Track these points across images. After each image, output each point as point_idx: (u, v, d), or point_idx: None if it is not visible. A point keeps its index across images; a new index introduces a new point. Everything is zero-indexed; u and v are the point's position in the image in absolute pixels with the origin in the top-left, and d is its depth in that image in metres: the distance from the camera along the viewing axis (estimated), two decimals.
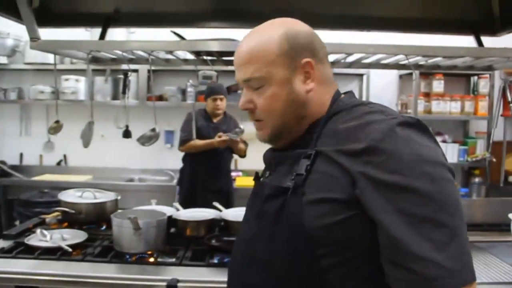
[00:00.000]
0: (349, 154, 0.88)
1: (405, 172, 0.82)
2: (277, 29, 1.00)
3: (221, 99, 3.38)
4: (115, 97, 4.12)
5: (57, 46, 1.93)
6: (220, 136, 3.23)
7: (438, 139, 4.09)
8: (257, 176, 1.14)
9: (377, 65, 2.38)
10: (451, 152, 4.04)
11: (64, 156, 4.49)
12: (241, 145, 3.39)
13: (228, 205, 2.58)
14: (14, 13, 1.99)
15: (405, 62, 2.18)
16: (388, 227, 0.81)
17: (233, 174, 3.82)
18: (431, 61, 2.30)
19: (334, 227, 0.87)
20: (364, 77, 4.22)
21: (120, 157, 4.31)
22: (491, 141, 2.12)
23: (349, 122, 0.94)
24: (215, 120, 3.47)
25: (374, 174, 0.83)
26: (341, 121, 0.96)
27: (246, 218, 1.10)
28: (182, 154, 3.57)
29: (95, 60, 2.34)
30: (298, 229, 0.90)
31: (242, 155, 3.50)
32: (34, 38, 1.77)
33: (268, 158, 1.11)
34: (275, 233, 0.95)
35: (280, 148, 1.07)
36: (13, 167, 4.35)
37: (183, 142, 3.40)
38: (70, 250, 1.79)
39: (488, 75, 4.05)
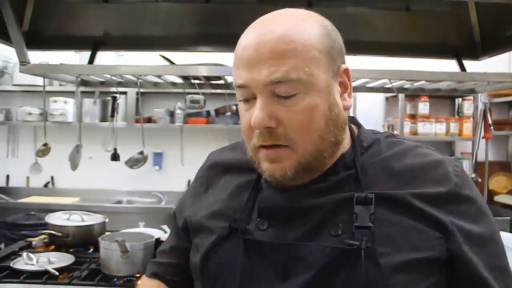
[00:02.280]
0: (432, 200, 0.72)
1: (485, 221, 0.76)
2: (315, 19, 0.77)
3: None
4: (103, 119, 4.13)
5: (47, 70, 1.95)
6: None
7: None
8: (243, 231, 0.77)
9: (362, 88, 2.43)
10: None
11: (52, 178, 4.46)
12: None
13: None
14: (3, 36, 2.01)
15: (390, 86, 2.23)
16: (482, 280, 0.73)
17: None
18: (415, 84, 2.35)
19: None
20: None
21: (108, 179, 4.29)
22: (473, 162, 2.16)
23: (403, 159, 0.78)
24: None
25: (463, 225, 0.72)
26: (384, 158, 0.78)
27: None
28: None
29: (84, 83, 2.35)
30: None
31: None
32: (23, 62, 1.79)
33: (275, 202, 0.78)
34: None
35: (289, 188, 0.77)
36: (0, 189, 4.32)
37: None
38: (57, 273, 1.78)
39: (472, 97, 4.13)
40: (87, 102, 4.08)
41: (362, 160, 0.78)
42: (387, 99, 4.36)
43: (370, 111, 4.34)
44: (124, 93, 4.02)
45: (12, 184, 4.49)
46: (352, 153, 0.79)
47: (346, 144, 0.80)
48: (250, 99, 0.75)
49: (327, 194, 0.75)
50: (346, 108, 0.78)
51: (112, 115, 2.29)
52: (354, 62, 2.45)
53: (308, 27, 0.73)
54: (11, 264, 1.85)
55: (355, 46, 2.32)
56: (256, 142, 0.74)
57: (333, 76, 0.75)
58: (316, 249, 0.71)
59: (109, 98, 4.07)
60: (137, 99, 3.88)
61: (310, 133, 0.72)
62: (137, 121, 4.02)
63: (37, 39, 2.10)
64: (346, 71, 0.78)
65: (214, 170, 0.93)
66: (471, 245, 0.73)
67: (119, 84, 2.32)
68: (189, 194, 0.96)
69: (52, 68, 1.95)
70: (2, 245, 2.99)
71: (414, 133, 4.07)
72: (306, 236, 0.73)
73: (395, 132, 4.13)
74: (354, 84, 2.34)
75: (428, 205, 0.72)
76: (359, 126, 0.86)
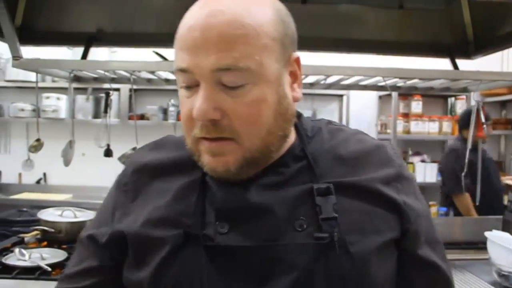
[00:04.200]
0: (383, 182, 0.73)
1: (421, 199, 0.79)
2: (268, 1, 0.71)
3: None
4: (96, 115, 4.11)
5: (40, 65, 1.94)
6: None
7: (417, 158, 4.18)
8: (204, 237, 0.68)
9: (356, 86, 2.44)
10: (430, 172, 4.11)
11: (44, 174, 4.44)
12: None
13: None
14: None
15: (383, 83, 2.24)
16: (426, 253, 0.77)
17: None
18: (409, 82, 2.36)
19: (391, 276, 0.73)
20: (344, 98, 4.29)
21: (100, 176, 4.26)
22: (466, 161, 2.18)
23: (348, 146, 0.77)
24: None
25: (411, 203, 0.75)
26: (331, 146, 0.77)
27: None
28: None
29: (77, 79, 2.34)
30: None
31: None
32: (16, 56, 1.78)
33: (233, 201, 0.71)
34: None
35: (240, 184, 0.71)
36: None
37: None
38: (49, 269, 1.77)
39: (464, 97, 4.16)
40: (80, 98, 4.07)
41: (311, 150, 0.75)
42: (380, 97, 4.37)
43: (363, 109, 4.36)
44: (117, 89, 4.01)
45: (4, 180, 4.46)
46: (300, 144, 0.76)
47: (292, 135, 0.76)
48: (192, 86, 0.68)
49: (284, 187, 0.71)
50: (296, 100, 0.73)
51: (106, 111, 2.28)
52: (347, 60, 2.47)
53: (261, 10, 0.67)
54: (3, 260, 1.84)
55: (348, 44, 2.33)
56: (198, 134, 0.68)
57: (284, 66, 0.70)
58: (293, 248, 0.67)
59: (102, 94, 4.07)
60: (130, 96, 3.88)
61: (258, 127, 0.67)
62: (130, 118, 4.01)
63: (29, 34, 2.10)
64: (297, 60, 0.73)
65: (140, 174, 0.80)
66: (416, 221, 0.75)
67: (112, 80, 2.31)
68: (110, 207, 0.81)
69: (45, 63, 1.94)
70: None
71: (407, 132, 4.09)
72: (272, 235, 0.68)
73: (388, 130, 4.15)
74: (347, 81, 2.35)
75: (382, 187, 0.73)
76: (299, 115, 0.82)
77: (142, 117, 4.10)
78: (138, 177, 0.81)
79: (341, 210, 0.69)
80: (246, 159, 0.68)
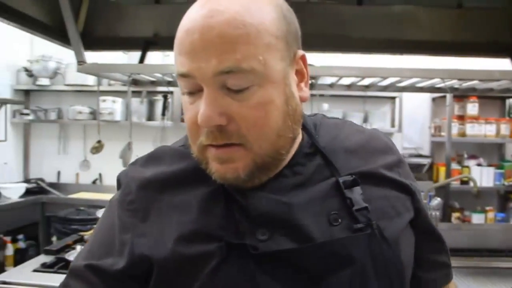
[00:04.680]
0: (393, 167, 0.77)
1: (413, 178, 0.83)
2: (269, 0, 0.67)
3: None
4: (150, 118, 4.24)
5: (101, 69, 2.02)
6: None
7: (473, 162, 4.04)
8: (252, 246, 0.65)
9: (411, 88, 2.39)
10: (487, 176, 3.96)
11: (100, 175, 4.61)
12: None
13: None
14: (60, 38, 2.10)
15: (441, 85, 2.18)
16: (433, 228, 0.84)
17: None
18: (466, 84, 2.29)
19: (412, 256, 0.77)
20: (397, 100, 4.20)
21: None
22: None
23: (351, 137, 0.78)
24: None
25: (414, 184, 0.80)
26: (337, 139, 0.77)
27: None
28: None
29: (134, 82, 2.42)
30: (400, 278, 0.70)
31: None
32: (80, 61, 1.86)
33: (267, 207, 0.67)
34: None
35: (247, 189, 0.68)
36: (51, 185, 4.49)
37: None
38: None
39: None
40: (134, 101, 4.19)
41: (322, 146, 0.74)
42: (433, 99, 4.26)
43: (416, 112, 4.26)
44: (171, 92, 4.12)
45: (62, 180, 4.66)
46: (308, 141, 0.74)
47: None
48: (195, 92, 0.65)
49: (307, 186, 0.70)
50: (304, 100, 0.70)
51: (163, 113, 2.34)
52: (397, 61, 2.42)
53: (261, 8, 0.64)
54: (66, 256, 1.93)
55: (403, 45, 2.29)
56: (204, 141, 0.65)
57: (290, 64, 0.67)
58: (344, 242, 0.66)
59: (156, 97, 4.19)
60: None
61: (266, 130, 0.64)
62: (182, 120, 4.10)
63: (90, 40, 2.18)
64: (303, 57, 0.70)
65: (147, 190, 0.74)
66: (420, 199, 0.80)
67: (169, 83, 2.37)
68: (116, 231, 0.73)
69: (106, 68, 2.03)
70: (54, 238, 3.13)
71: (462, 134, 3.97)
72: (313, 233, 0.66)
73: (442, 133, 4.04)
74: (403, 83, 2.31)
75: (393, 173, 0.76)
76: None
77: None
78: (145, 193, 0.73)
79: (367, 199, 0.70)
80: (256, 164, 0.65)
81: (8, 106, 4.35)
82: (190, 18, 0.64)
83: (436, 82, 2.20)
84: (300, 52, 0.70)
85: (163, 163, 0.76)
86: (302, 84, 0.70)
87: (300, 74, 0.70)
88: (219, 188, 0.69)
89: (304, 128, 0.76)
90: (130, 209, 0.73)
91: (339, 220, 0.68)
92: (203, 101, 0.62)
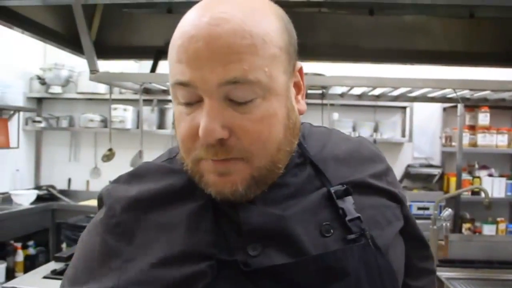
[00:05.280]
0: (381, 176, 0.76)
1: (399, 185, 0.83)
2: (270, 8, 0.66)
3: None
4: (160, 126, 4.27)
5: (113, 78, 2.04)
6: None
7: (484, 173, 4.01)
8: (243, 263, 0.63)
9: (422, 98, 2.38)
10: (498, 187, 3.93)
11: (110, 182, 4.63)
12: None
13: None
14: (73, 46, 2.13)
15: (453, 95, 2.17)
16: (420, 235, 0.85)
17: None
18: (478, 94, 2.28)
19: (402, 263, 0.77)
20: (408, 110, 4.19)
21: None
22: None
23: (339, 146, 0.77)
24: None
25: (401, 192, 0.80)
26: (325, 148, 0.75)
27: None
28: None
29: (146, 91, 2.44)
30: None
31: None
32: (93, 70, 1.88)
33: (259, 221, 0.65)
34: None
35: (247, 201, 0.65)
36: (62, 192, 4.52)
37: None
38: None
39: None
40: (145, 110, 4.22)
41: (312, 155, 0.72)
42: (444, 109, 4.24)
43: (427, 121, 4.24)
44: None
45: (73, 187, 4.69)
46: (298, 151, 0.71)
47: None
48: (193, 103, 0.62)
49: (298, 197, 0.68)
50: (301, 113, 0.69)
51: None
52: (408, 71, 2.41)
53: (265, 18, 0.62)
54: None
55: (413, 55, 2.29)
56: (203, 156, 0.62)
57: (290, 77, 0.66)
58: (338, 254, 0.64)
59: (167, 106, 4.21)
60: None
61: (268, 144, 0.62)
62: None
63: (103, 49, 2.21)
64: (300, 70, 0.69)
65: (133, 211, 0.69)
66: (408, 208, 0.80)
67: None
68: (101, 256, 0.68)
69: (119, 77, 2.04)
70: (64, 245, 3.15)
71: (474, 144, 3.94)
72: (306, 246, 0.64)
73: (453, 143, 4.02)
74: (414, 94, 2.30)
75: (381, 182, 0.75)
76: None
77: None
78: (131, 214, 0.69)
79: (359, 208, 0.68)
80: (254, 178, 0.63)
81: (21, 113, 4.40)
82: (193, 24, 0.60)
83: (448, 92, 2.19)
84: (299, 64, 0.69)
85: (147, 181, 0.73)
86: (299, 97, 0.69)
87: (297, 86, 0.69)
88: (207, 202, 0.67)
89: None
90: (115, 233, 0.68)
91: (331, 231, 0.66)
92: (204, 113, 0.59)
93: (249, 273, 0.62)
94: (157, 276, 0.63)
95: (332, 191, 0.68)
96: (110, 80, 2.03)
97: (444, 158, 4.26)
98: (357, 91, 2.41)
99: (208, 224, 0.65)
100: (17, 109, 4.21)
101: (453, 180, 3.96)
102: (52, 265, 2.00)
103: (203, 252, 0.64)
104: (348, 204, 0.68)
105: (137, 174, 0.75)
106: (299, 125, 0.70)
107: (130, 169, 0.81)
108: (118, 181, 0.75)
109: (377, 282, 0.65)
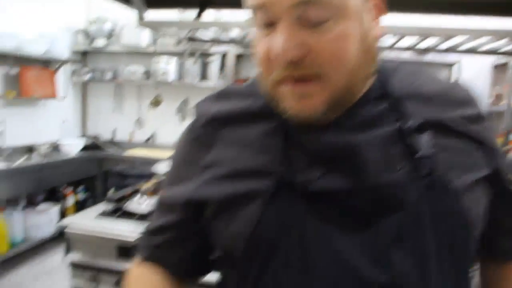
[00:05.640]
0: (470, 120, 0.72)
1: (494, 137, 0.78)
2: None
3: None
4: (202, 78, 4.29)
5: (161, 24, 2.06)
6: None
7: None
8: (302, 184, 0.65)
9: (472, 51, 2.29)
10: None
11: (152, 133, 4.74)
12: None
13: None
14: None
15: (508, 48, 2.08)
16: None
17: None
18: None
19: (484, 211, 0.72)
20: (455, 67, 4.05)
21: None
22: None
23: (428, 85, 0.74)
24: None
25: (493, 142, 0.75)
26: (411, 85, 0.74)
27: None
28: None
29: (192, 40, 2.44)
30: (463, 233, 0.67)
31: None
32: (142, 18, 1.91)
33: (326, 145, 0.66)
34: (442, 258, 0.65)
35: (318, 127, 0.66)
36: (107, 142, 4.68)
37: None
38: None
39: None
40: (187, 62, 4.25)
41: (393, 91, 0.71)
42: (495, 66, 4.07)
43: (475, 79, 4.10)
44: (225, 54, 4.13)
45: (117, 137, 4.84)
46: (379, 85, 0.71)
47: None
48: (270, 25, 0.62)
49: (372, 128, 0.67)
50: (378, 37, 0.67)
51: (221, 71, 2.36)
52: (459, 23, 2.30)
53: None
54: (125, 206, 2.03)
55: (467, 5, 2.19)
56: (281, 74, 0.62)
57: (365, 1, 0.64)
58: (398, 187, 0.64)
59: (209, 59, 4.22)
60: (238, 58, 3.94)
61: (344, 63, 0.61)
62: (235, 81, 4.13)
63: None
64: None
65: (211, 126, 0.76)
66: (500, 160, 0.75)
67: (229, 41, 2.38)
68: (185, 163, 0.79)
69: (166, 23, 2.06)
70: (111, 190, 3.30)
71: None
72: (370, 175, 0.65)
73: (503, 102, 3.88)
74: (462, 47, 2.22)
75: (470, 126, 0.71)
76: None
77: (246, 80, 4.19)
78: (210, 128, 0.76)
79: (436, 148, 0.67)
80: (333, 99, 0.63)
81: (67, 66, 4.51)
82: None
83: (501, 45, 2.09)
84: None
85: (229, 100, 0.78)
86: (378, 20, 0.67)
87: (375, 9, 0.67)
88: (280, 125, 0.69)
89: (378, 72, 0.72)
90: (195, 144, 0.78)
91: (399, 166, 0.65)
92: (278, 33, 0.60)
93: (307, 195, 0.64)
94: (222, 186, 0.71)
95: (406, 126, 0.67)
96: (158, 26, 2.05)
97: (492, 118, 4.13)
98: (404, 43, 2.33)
99: (277, 145, 0.69)
100: (63, 62, 4.32)
101: (499, 141, 3.85)
102: (101, 207, 2.10)
103: (266, 170, 0.68)
104: (423, 141, 0.66)
105: (224, 94, 0.81)
106: (376, 49, 0.68)
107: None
108: (204, 100, 0.82)
109: (443, 224, 0.64)
